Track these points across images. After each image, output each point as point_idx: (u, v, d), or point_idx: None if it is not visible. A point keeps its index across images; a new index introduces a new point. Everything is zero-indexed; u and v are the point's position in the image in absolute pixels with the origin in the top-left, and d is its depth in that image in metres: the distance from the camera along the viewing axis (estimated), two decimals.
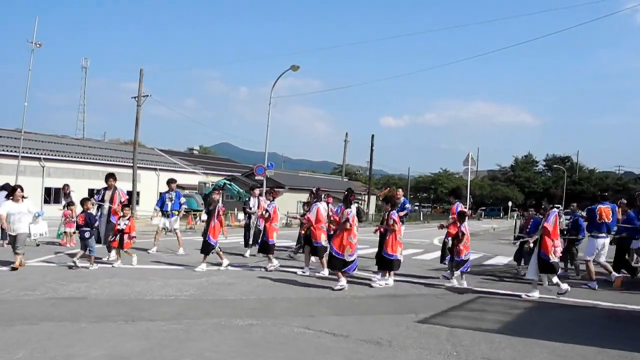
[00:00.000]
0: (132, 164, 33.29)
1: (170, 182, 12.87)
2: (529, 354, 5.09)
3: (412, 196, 71.85)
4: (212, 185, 28.13)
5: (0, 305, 6.40)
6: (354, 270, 8.68)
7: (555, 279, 8.33)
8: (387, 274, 9.11)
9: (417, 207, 70.66)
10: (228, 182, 31.81)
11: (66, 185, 14.09)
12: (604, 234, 9.90)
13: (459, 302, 7.79)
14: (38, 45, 14.80)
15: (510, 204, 52.74)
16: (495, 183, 72.88)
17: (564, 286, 8.32)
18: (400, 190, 14.11)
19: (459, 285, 9.10)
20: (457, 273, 9.18)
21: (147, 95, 31.42)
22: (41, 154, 34.09)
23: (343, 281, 8.36)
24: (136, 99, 31.43)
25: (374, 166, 48.15)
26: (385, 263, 8.97)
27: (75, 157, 36.84)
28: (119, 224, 10.01)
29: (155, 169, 41.58)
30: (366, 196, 46.55)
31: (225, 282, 8.68)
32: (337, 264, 8.38)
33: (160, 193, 13.05)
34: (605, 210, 9.85)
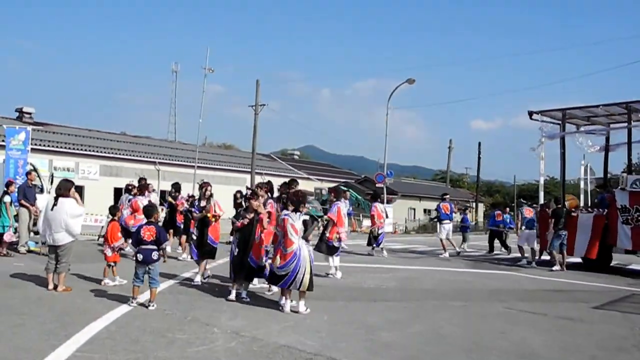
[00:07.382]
0: (243, 169, 37.62)
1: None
2: None
3: (513, 204, 71.74)
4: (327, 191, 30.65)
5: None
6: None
7: (337, 260, 10.64)
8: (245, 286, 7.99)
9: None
10: (345, 188, 34.53)
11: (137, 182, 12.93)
12: (447, 221, 16.82)
13: (619, 296, 9.93)
14: (211, 71, 18.13)
15: None
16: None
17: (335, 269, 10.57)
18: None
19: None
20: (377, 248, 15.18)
21: (264, 105, 35.07)
22: (155, 158, 38.07)
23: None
24: (253, 107, 35.16)
25: (474, 172, 49.75)
26: (251, 272, 7.91)
27: (186, 161, 40.97)
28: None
29: (261, 174, 45.19)
30: (474, 203, 48.16)
31: (413, 277, 11.38)
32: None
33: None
34: (445, 206, 16.85)
